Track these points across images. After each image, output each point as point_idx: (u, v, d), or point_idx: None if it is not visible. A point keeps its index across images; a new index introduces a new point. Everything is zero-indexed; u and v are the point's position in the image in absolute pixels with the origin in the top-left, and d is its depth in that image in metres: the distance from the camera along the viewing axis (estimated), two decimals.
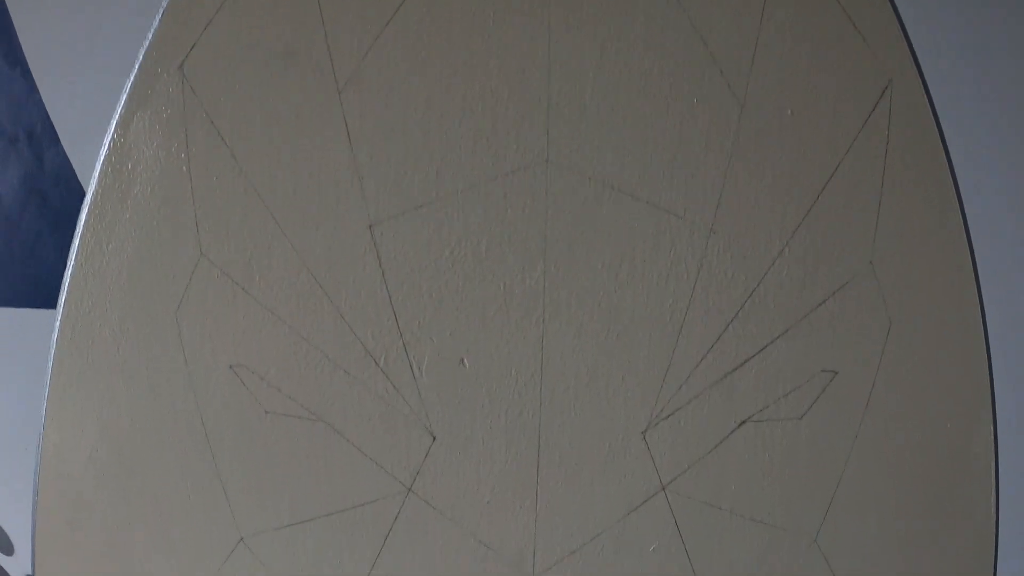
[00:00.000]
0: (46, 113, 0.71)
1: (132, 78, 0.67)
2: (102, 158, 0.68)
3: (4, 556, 0.97)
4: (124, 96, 0.67)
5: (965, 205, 0.70)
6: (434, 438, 0.68)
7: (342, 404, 0.68)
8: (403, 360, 0.65)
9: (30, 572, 0.97)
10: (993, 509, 0.83)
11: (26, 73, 0.71)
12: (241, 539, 0.77)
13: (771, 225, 0.64)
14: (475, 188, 0.62)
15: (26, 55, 0.73)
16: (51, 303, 0.76)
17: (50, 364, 0.77)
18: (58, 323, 0.75)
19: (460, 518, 0.71)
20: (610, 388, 0.66)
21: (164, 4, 0.66)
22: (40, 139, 0.71)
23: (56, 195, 0.72)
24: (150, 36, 0.66)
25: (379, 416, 0.67)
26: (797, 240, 0.65)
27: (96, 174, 0.69)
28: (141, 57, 0.66)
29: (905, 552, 0.83)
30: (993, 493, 0.82)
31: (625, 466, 0.69)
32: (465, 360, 0.65)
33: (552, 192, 0.62)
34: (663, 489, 0.71)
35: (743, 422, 0.69)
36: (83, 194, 0.70)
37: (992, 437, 0.80)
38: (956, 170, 0.69)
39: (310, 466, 0.71)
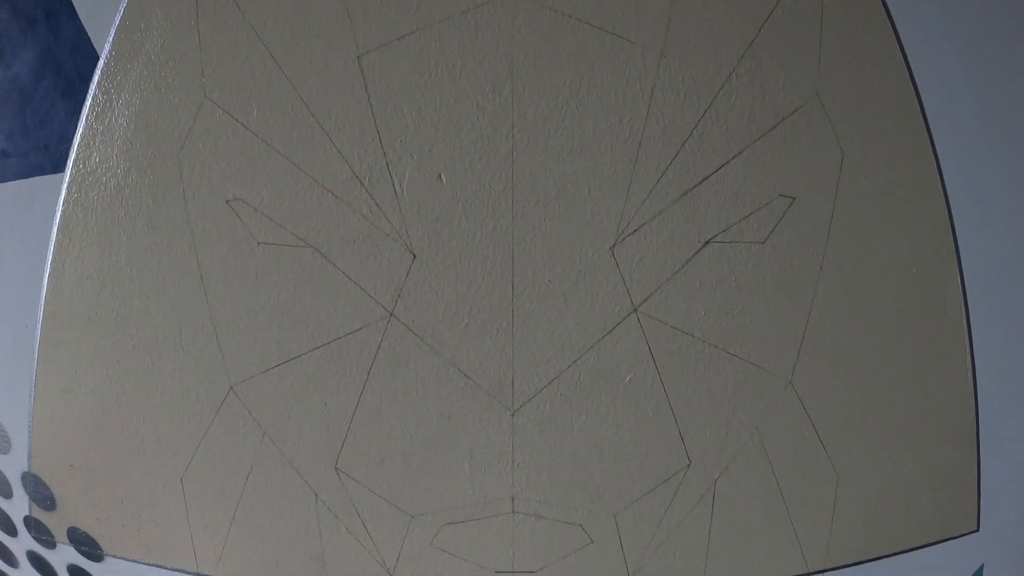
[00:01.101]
0: None
1: None
2: (117, 23, 0.77)
3: (3, 456, 0.98)
4: None
5: (906, 48, 0.77)
6: (414, 256, 0.72)
7: (329, 228, 0.72)
8: (386, 179, 0.70)
9: (27, 468, 0.97)
10: (968, 357, 0.85)
11: None
12: (231, 388, 0.79)
13: (718, 52, 0.71)
14: (450, 19, 0.70)
15: None
16: (60, 169, 0.82)
17: (55, 228, 0.82)
18: (65, 183, 0.80)
19: (440, 345, 0.74)
20: (577, 200, 0.70)
21: None
22: (58, 15, 0.80)
23: (71, 64, 0.80)
24: None
25: (363, 237, 0.71)
26: (744, 67, 0.72)
27: (110, 38, 0.77)
28: None
29: (881, 400, 0.84)
30: (966, 337, 0.84)
31: (596, 284, 0.72)
32: (442, 176, 0.70)
33: (517, 21, 0.69)
34: (635, 311, 0.74)
35: (707, 242, 0.73)
36: (97, 59, 0.78)
37: (959, 281, 0.83)
38: (893, 12, 0.76)
39: (298, 296, 0.74)
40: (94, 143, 0.78)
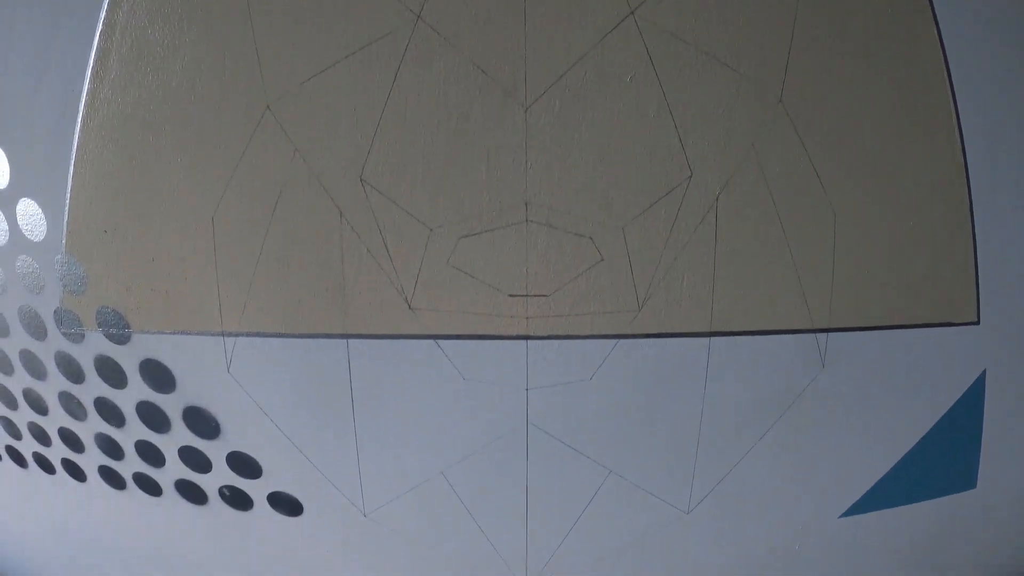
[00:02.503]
0: None
1: None
2: None
3: (35, 244, 1.03)
4: None
5: None
6: None
7: None
8: None
9: (61, 251, 1.02)
10: (950, 99, 0.91)
11: None
12: (268, 106, 0.87)
13: None
14: None
15: None
16: None
17: None
18: None
19: (461, 44, 0.82)
20: None
21: None
22: None
23: None
24: None
25: None
26: None
27: None
28: None
29: (870, 136, 0.90)
30: (945, 77, 0.91)
31: None
32: None
33: None
34: (632, 13, 0.82)
35: None
36: None
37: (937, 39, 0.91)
38: None
39: (335, 6, 0.83)
40: None
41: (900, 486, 1.13)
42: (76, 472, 1.20)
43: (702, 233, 0.88)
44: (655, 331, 0.91)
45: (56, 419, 1.16)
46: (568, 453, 0.99)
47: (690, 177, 0.86)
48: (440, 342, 0.91)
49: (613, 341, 0.91)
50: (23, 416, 1.19)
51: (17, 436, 1.23)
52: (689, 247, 0.88)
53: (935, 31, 0.91)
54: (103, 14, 0.93)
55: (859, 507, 1.13)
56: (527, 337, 0.90)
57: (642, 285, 0.89)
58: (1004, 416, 1.10)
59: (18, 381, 1.15)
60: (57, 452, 1.19)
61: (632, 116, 0.84)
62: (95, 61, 0.93)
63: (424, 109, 0.83)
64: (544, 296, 0.88)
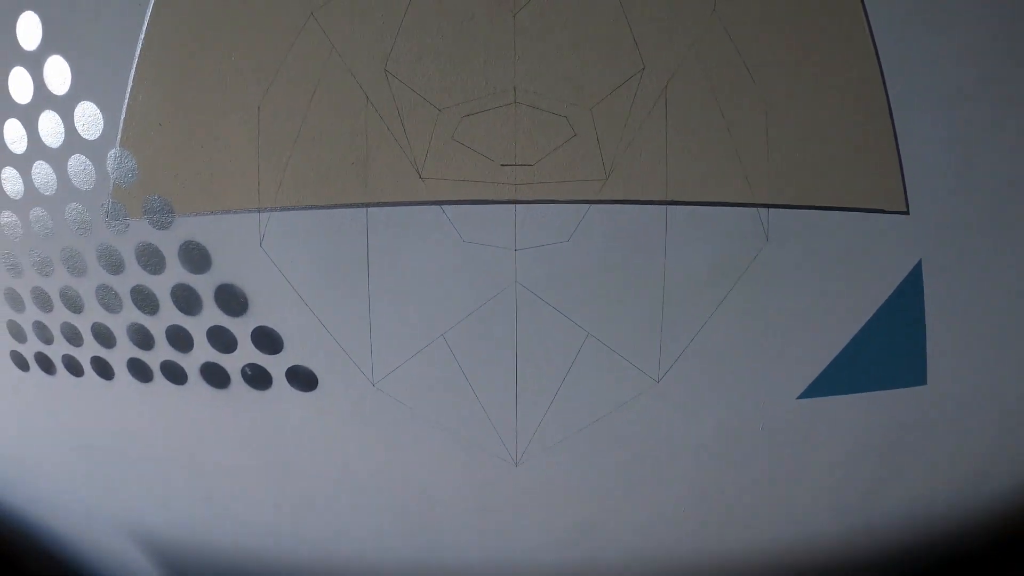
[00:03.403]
0: None
1: None
2: None
3: (90, 141, 1.19)
4: None
5: None
6: None
7: None
8: None
9: (115, 148, 1.18)
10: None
11: None
12: (311, 13, 1.08)
13: None
14: None
15: None
16: None
17: None
18: None
19: None
20: None
21: None
22: None
23: None
24: None
25: None
26: None
27: None
28: None
29: (796, 51, 1.14)
30: None
31: None
32: None
33: None
34: None
35: None
36: None
37: None
38: None
39: None
40: None
41: (851, 372, 1.25)
42: (104, 370, 1.31)
43: (656, 116, 1.11)
44: (620, 198, 1.12)
45: (91, 315, 1.29)
46: (552, 314, 1.16)
47: (643, 70, 1.10)
48: (445, 207, 1.10)
49: (586, 206, 1.11)
50: (57, 317, 1.31)
51: (48, 340, 1.34)
52: (645, 127, 1.10)
53: None
54: None
55: (815, 389, 1.26)
56: (516, 202, 1.10)
57: (608, 157, 1.10)
58: (947, 312, 1.23)
59: (56, 281, 1.28)
60: (88, 351, 1.31)
61: (597, 18, 1.08)
62: None
63: (436, 12, 1.06)
64: (529, 165, 1.09)
